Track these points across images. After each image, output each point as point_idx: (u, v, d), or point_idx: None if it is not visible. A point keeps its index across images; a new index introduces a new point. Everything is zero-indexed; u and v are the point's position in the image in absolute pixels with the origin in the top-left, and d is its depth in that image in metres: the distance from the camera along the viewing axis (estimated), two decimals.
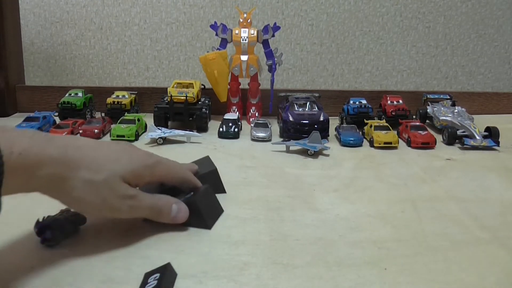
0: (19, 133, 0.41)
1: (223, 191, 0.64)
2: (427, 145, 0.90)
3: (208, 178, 0.60)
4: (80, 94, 1.09)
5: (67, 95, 1.09)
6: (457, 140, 0.93)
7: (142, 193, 0.48)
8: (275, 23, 1.09)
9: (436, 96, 1.16)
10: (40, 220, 0.47)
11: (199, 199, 0.53)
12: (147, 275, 0.41)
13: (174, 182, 0.54)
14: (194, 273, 0.42)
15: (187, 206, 0.52)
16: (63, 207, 0.51)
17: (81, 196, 0.43)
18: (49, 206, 0.51)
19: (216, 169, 0.63)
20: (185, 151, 0.85)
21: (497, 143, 0.91)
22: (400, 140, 0.93)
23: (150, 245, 0.48)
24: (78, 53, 1.41)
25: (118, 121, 0.95)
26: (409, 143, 0.91)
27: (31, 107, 1.14)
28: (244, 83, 1.12)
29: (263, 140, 0.93)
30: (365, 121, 0.98)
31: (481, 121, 1.01)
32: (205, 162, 0.66)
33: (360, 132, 0.96)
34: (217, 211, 0.57)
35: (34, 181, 0.41)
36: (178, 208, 0.50)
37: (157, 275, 0.40)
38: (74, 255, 0.45)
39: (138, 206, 0.47)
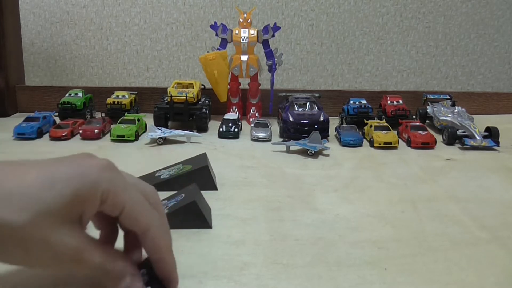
0: None
1: (214, 188, 0.64)
2: (427, 145, 0.90)
3: (199, 174, 0.60)
4: (80, 94, 1.09)
5: (67, 95, 1.09)
6: (457, 140, 0.93)
7: (90, 245, 0.34)
8: (275, 23, 1.09)
9: (436, 96, 1.16)
10: None
11: (198, 200, 0.53)
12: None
13: (133, 226, 0.36)
14: (194, 273, 0.42)
15: (186, 210, 0.51)
16: None
17: None
18: None
19: (207, 165, 0.63)
20: (185, 151, 0.85)
21: (497, 143, 0.91)
22: (400, 140, 0.93)
23: None
24: (78, 53, 1.41)
25: (118, 121, 0.95)
26: (409, 143, 0.91)
27: (31, 107, 1.14)
28: (244, 83, 1.12)
29: (263, 140, 0.93)
30: (365, 121, 0.98)
31: (481, 121, 1.01)
32: (200, 158, 0.66)
33: (360, 132, 0.96)
34: (209, 208, 0.57)
35: None
36: (130, 283, 0.35)
37: (144, 270, 0.37)
38: None
39: (79, 265, 0.33)
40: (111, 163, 0.35)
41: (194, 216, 0.51)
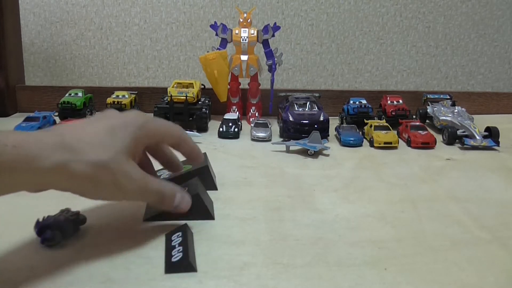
0: (13, 131, 0.41)
1: (214, 188, 0.64)
2: (427, 145, 0.90)
3: (199, 174, 0.60)
4: (80, 94, 1.09)
5: (67, 95, 1.09)
6: (457, 140, 0.93)
7: (149, 175, 0.47)
8: (275, 23, 1.09)
9: (436, 96, 1.16)
10: (40, 220, 0.47)
11: (201, 193, 0.54)
12: (168, 235, 0.48)
13: (172, 141, 0.51)
14: (194, 273, 0.42)
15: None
16: (63, 207, 0.51)
17: (91, 180, 0.41)
18: (49, 206, 0.51)
19: (207, 165, 0.64)
20: None
21: (497, 143, 0.91)
22: (400, 140, 0.93)
23: (150, 245, 0.47)
24: (78, 53, 1.41)
25: None
26: (409, 143, 0.91)
27: (31, 107, 1.14)
28: (244, 83, 1.12)
29: (263, 140, 0.93)
30: (365, 121, 0.98)
31: (481, 121, 1.01)
32: None
33: (360, 132, 0.96)
34: (211, 201, 0.58)
35: (38, 175, 0.39)
36: (181, 197, 0.49)
37: (179, 233, 0.47)
38: (74, 255, 0.45)
39: (146, 189, 0.46)
40: (139, 111, 0.50)
41: (197, 209, 0.52)
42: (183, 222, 0.51)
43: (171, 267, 0.43)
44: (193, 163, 0.55)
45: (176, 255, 0.44)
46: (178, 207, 0.49)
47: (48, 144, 0.39)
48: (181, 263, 0.43)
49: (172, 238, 0.47)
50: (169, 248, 0.45)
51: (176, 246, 0.45)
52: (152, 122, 0.49)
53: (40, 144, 0.39)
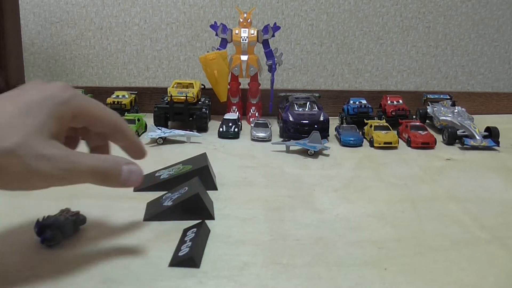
0: None
1: (214, 188, 0.64)
2: (427, 145, 0.90)
3: (199, 174, 0.61)
4: None
5: None
6: (457, 140, 0.93)
7: (80, 152, 0.41)
8: (275, 23, 1.09)
9: (436, 96, 1.16)
10: (40, 220, 0.47)
11: (201, 193, 0.54)
12: (185, 230, 0.48)
13: (103, 127, 0.44)
14: (194, 273, 0.42)
15: (189, 202, 0.52)
16: (63, 207, 0.51)
17: None
18: (49, 206, 0.51)
19: (207, 165, 0.64)
20: (185, 151, 0.85)
21: (497, 143, 0.91)
22: (400, 140, 0.93)
23: (150, 245, 0.47)
24: (78, 53, 1.41)
25: None
26: (409, 143, 0.91)
27: None
28: (244, 83, 1.12)
29: (263, 140, 0.93)
30: (365, 121, 0.98)
31: (481, 121, 1.01)
32: (200, 158, 0.67)
33: (360, 132, 0.96)
34: (211, 201, 0.58)
35: None
36: (129, 170, 0.42)
37: (194, 229, 0.47)
38: (74, 255, 0.45)
39: (75, 169, 0.38)
40: (67, 84, 0.41)
41: (197, 208, 0.52)
42: (184, 222, 0.51)
43: (175, 261, 0.43)
44: (134, 157, 0.47)
45: (183, 250, 0.44)
46: (129, 181, 0.42)
47: None
48: (184, 257, 0.43)
49: (187, 234, 0.48)
50: (180, 243, 0.46)
51: (187, 241, 0.46)
52: (79, 98, 0.41)
53: None
